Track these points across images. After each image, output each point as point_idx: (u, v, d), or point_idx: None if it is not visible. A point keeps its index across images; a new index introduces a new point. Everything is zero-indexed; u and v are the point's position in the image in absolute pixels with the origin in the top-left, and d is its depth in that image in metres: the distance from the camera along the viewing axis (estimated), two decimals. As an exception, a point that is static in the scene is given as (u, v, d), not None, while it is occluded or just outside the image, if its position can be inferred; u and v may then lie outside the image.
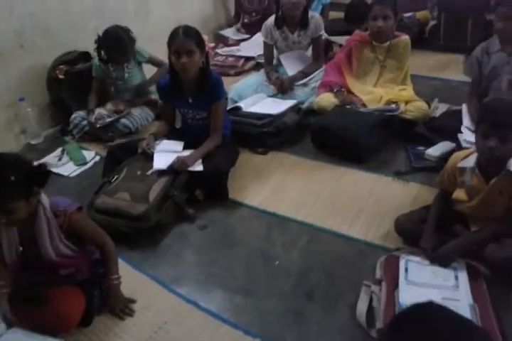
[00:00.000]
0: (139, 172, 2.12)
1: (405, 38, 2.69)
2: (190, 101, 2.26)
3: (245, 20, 4.07)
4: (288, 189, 2.26)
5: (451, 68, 3.31)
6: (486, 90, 2.39)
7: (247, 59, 3.64)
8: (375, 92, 2.69)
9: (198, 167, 2.13)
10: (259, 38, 3.25)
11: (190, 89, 2.23)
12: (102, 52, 2.68)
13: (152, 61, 2.88)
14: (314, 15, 2.99)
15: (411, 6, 3.82)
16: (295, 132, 2.65)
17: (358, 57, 2.75)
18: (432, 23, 3.90)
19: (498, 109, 1.60)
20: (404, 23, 3.62)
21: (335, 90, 2.71)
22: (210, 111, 2.25)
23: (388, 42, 2.66)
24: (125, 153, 2.25)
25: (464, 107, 2.45)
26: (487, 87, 2.38)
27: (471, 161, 1.73)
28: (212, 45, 3.72)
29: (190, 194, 2.13)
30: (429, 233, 1.76)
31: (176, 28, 2.12)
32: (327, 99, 2.69)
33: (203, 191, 2.17)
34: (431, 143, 2.42)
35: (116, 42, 2.61)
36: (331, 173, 2.36)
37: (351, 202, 2.14)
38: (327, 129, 2.47)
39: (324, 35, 3.45)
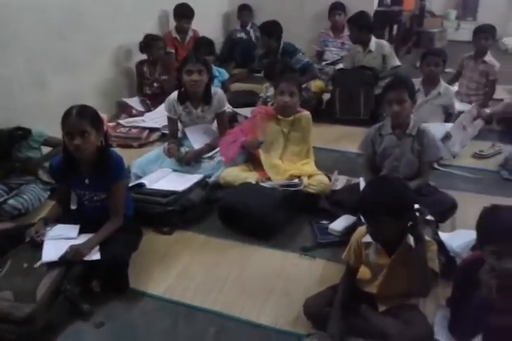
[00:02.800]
0: (25, 265, 1.90)
1: (307, 113, 2.84)
2: (87, 182, 2.12)
3: (147, 91, 4.04)
4: (195, 273, 2.15)
5: (348, 140, 3.52)
6: (380, 166, 2.56)
7: (152, 130, 3.59)
8: (279, 166, 2.75)
9: (95, 255, 1.96)
10: (164, 108, 3.23)
11: (86, 170, 2.10)
12: None
13: (49, 143, 2.74)
14: (217, 91, 3.06)
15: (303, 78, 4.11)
16: (202, 208, 2.59)
17: (263, 128, 2.82)
18: (328, 95, 4.19)
19: (370, 200, 1.69)
20: (304, 97, 3.84)
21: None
22: (110, 192, 2.13)
23: (292, 117, 2.79)
24: (10, 241, 2.01)
25: (362, 180, 2.59)
26: (380, 164, 2.55)
27: None
28: (112, 124, 3.61)
29: (85, 286, 1.94)
30: (336, 318, 1.74)
31: (70, 108, 2.01)
32: (233, 174, 2.70)
33: (100, 282, 1.98)
34: (334, 217, 2.47)
35: None
36: (239, 253, 2.30)
37: (260, 283, 2.08)
38: (233, 207, 2.44)
39: (229, 109, 3.57)
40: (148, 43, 3.92)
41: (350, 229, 2.32)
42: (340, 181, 2.87)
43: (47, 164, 2.63)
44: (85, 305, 1.89)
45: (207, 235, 2.44)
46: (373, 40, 4.08)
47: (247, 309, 1.94)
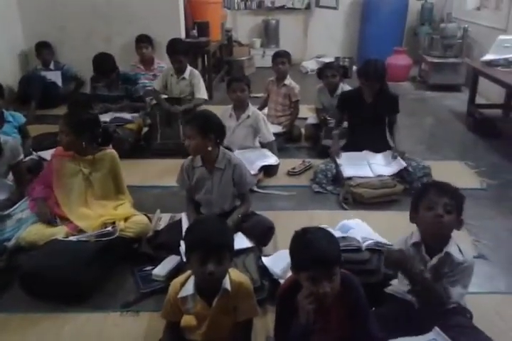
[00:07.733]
0: None
1: (110, 151, 2.58)
2: None
3: None
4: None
5: (171, 174, 3.35)
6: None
7: None
8: (89, 214, 2.46)
9: None
10: None
11: None
12: None
13: None
14: (8, 140, 2.65)
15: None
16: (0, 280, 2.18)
17: (61, 172, 2.51)
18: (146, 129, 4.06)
19: (204, 232, 1.60)
20: (119, 134, 3.65)
21: None
22: None
23: (91, 156, 2.53)
24: None
25: (184, 216, 2.48)
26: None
27: (190, 288, 1.66)
28: None
29: None
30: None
31: None
32: (36, 232, 2.35)
33: None
34: (159, 261, 2.29)
35: None
36: (50, 325, 1.97)
37: (77, 357, 1.79)
38: (37, 272, 2.09)
39: (33, 156, 3.19)
40: None
41: (175, 272, 2.18)
42: (164, 219, 2.72)
43: None
44: None
45: (8, 312, 2.04)
46: (189, 68, 4.07)
47: None
